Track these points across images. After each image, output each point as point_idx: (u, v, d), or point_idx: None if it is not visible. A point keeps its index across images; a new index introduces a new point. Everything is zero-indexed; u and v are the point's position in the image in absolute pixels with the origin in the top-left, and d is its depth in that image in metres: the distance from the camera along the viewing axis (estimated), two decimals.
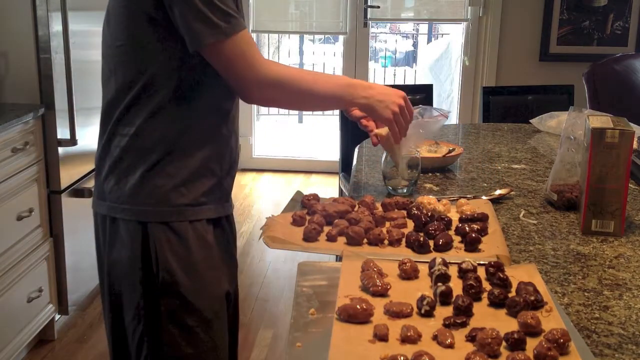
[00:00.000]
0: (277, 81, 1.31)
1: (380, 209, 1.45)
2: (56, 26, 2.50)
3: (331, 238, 1.30)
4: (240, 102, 1.46)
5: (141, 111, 1.28)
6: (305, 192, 1.52)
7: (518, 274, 1.13)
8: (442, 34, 7.47)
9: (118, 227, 1.32)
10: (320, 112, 7.35)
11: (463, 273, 1.11)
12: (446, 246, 1.26)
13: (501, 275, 1.09)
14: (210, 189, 1.35)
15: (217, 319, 1.37)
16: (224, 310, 1.41)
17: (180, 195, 1.30)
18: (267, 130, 6.23)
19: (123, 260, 1.31)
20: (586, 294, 1.13)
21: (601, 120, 1.41)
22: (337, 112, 3.47)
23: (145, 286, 1.30)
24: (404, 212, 1.42)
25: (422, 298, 1.01)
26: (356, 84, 1.41)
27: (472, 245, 1.25)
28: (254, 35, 5.04)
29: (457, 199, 1.53)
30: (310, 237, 1.29)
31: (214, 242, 1.36)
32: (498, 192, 1.65)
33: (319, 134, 6.46)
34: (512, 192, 1.66)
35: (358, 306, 0.98)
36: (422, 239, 1.25)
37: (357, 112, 1.55)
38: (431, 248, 1.25)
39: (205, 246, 1.34)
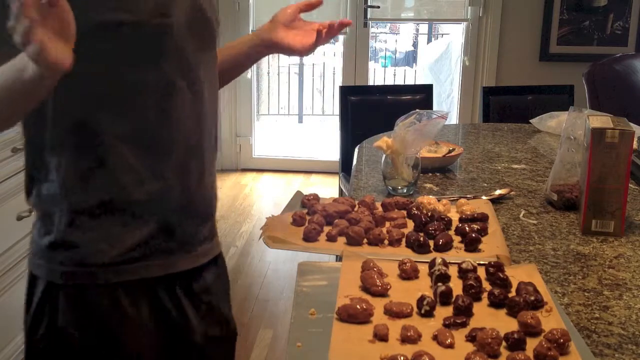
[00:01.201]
0: None
1: (380, 209, 1.45)
2: None
3: (331, 238, 1.29)
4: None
5: (40, 145, 1.05)
6: (305, 192, 1.52)
7: (518, 274, 1.13)
8: (442, 34, 7.47)
9: (34, 283, 1.10)
10: (321, 112, 7.36)
11: (463, 273, 1.11)
12: (446, 246, 1.26)
13: (501, 275, 1.09)
14: (148, 240, 1.07)
15: None
16: None
17: (98, 252, 1.05)
18: (267, 130, 6.23)
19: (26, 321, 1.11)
20: (586, 294, 1.13)
21: (601, 120, 1.41)
22: (337, 111, 3.47)
23: None
24: (404, 212, 1.42)
25: (422, 298, 1.01)
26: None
27: (472, 245, 1.25)
28: None
29: (457, 199, 1.53)
30: (310, 237, 1.29)
31: (149, 318, 1.09)
32: (498, 192, 1.65)
33: (319, 134, 6.46)
34: (512, 192, 1.66)
35: (358, 306, 0.98)
36: (422, 239, 1.25)
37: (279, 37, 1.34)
38: (431, 248, 1.25)
39: (131, 320, 1.07)
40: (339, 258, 1.23)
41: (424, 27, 7.93)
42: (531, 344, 0.90)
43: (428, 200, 1.44)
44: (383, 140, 1.63)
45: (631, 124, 1.41)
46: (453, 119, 4.98)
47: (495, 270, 1.10)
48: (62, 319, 1.06)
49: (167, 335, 1.12)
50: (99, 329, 1.07)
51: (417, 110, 1.66)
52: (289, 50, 1.35)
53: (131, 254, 1.06)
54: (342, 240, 1.29)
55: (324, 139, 6.08)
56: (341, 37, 4.99)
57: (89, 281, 1.05)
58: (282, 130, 6.65)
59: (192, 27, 1.08)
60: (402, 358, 0.86)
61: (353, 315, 0.98)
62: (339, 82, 5.56)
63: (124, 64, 1.01)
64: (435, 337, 0.93)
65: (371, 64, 5.78)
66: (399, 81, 7.68)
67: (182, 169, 1.09)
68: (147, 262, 1.07)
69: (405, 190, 1.64)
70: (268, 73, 6.95)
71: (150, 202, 1.06)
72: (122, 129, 1.02)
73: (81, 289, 1.06)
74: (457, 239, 1.29)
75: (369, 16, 4.80)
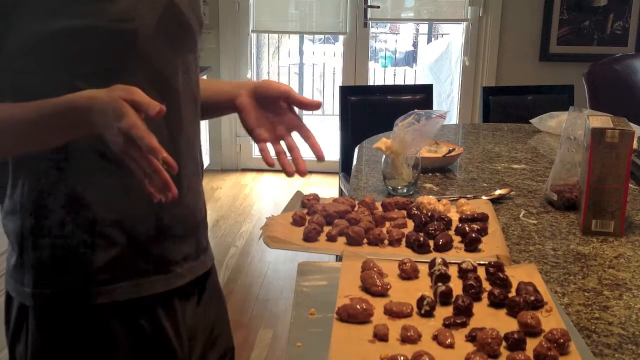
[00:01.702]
0: None
1: (380, 209, 1.45)
2: None
3: (331, 238, 1.29)
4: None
5: (3, 159, 1.02)
6: (305, 192, 1.52)
7: (518, 274, 1.13)
8: (442, 34, 7.48)
9: (9, 303, 1.06)
10: (321, 112, 7.35)
11: (463, 273, 1.11)
12: (446, 246, 1.26)
13: (501, 275, 1.09)
14: (119, 261, 1.01)
15: None
16: None
17: (64, 274, 0.99)
18: None
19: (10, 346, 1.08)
20: (586, 294, 1.13)
21: (601, 120, 1.41)
22: (337, 111, 3.47)
23: None
24: (404, 212, 1.42)
25: (422, 298, 1.01)
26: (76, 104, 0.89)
27: (472, 245, 1.25)
28: (253, 36, 5.04)
29: (457, 199, 1.53)
30: (310, 237, 1.29)
31: (125, 338, 1.03)
32: (498, 192, 1.65)
33: (319, 134, 6.46)
34: (512, 192, 1.66)
35: (358, 306, 0.98)
36: (422, 239, 1.25)
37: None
38: (431, 248, 1.25)
39: (104, 346, 1.02)
40: (339, 258, 1.23)
41: (424, 27, 7.93)
42: (531, 344, 0.90)
43: (428, 200, 1.44)
44: (382, 142, 1.63)
45: (631, 124, 1.41)
46: (453, 119, 4.98)
47: (495, 270, 1.10)
48: (34, 342, 1.02)
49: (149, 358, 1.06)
50: (71, 355, 1.02)
51: (416, 110, 1.66)
52: (246, 128, 1.19)
53: (99, 276, 0.99)
54: (342, 240, 1.29)
55: (324, 139, 6.08)
56: (341, 37, 4.99)
57: (56, 304, 1.00)
58: None
59: (166, 31, 1.00)
60: (402, 358, 0.86)
61: (353, 315, 0.98)
62: (339, 82, 5.56)
63: (81, 73, 0.94)
64: (435, 337, 0.93)
65: (371, 64, 5.78)
66: (399, 81, 7.68)
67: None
68: (118, 284, 1.00)
69: (405, 190, 1.64)
70: (268, 73, 6.95)
71: (118, 221, 0.99)
72: (84, 142, 0.94)
73: (50, 312, 1.01)
74: (457, 239, 1.29)
75: (369, 16, 4.80)
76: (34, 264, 1.00)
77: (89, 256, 0.99)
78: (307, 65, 7.59)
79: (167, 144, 1.00)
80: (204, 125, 4.76)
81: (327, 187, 4.65)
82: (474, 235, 1.26)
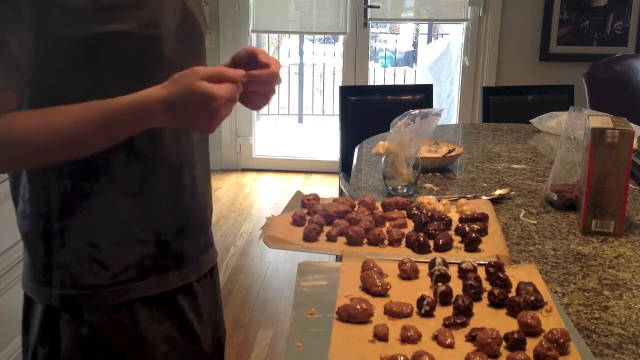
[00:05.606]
0: None
1: (380, 209, 1.45)
2: None
3: (331, 238, 1.29)
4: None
5: None
6: (305, 192, 1.52)
7: (518, 274, 1.13)
8: (442, 34, 7.48)
9: (31, 307, 1.09)
10: (321, 112, 7.36)
11: (463, 273, 1.11)
12: (446, 246, 1.26)
13: (501, 275, 1.09)
14: (143, 259, 1.05)
15: None
16: None
17: (92, 273, 1.02)
18: (267, 130, 6.23)
19: (33, 349, 1.09)
20: (586, 294, 1.13)
21: (601, 120, 1.41)
22: (337, 111, 3.47)
23: None
24: (404, 212, 1.42)
25: (422, 298, 1.01)
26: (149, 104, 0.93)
27: (472, 245, 1.25)
28: (253, 36, 5.04)
29: (457, 199, 1.53)
30: (310, 237, 1.29)
31: (154, 331, 1.07)
32: (498, 192, 1.65)
33: (319, 134, 6.46)
34: (512, 192, 1.66)
35: (358, 306, 0.98)
36: (422, 239, 1.25)
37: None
38: (431, 248, 1.25)
39: (136, 340, 1.05)
40: (339, 258, 1.23)
41: (424, 27, 7.93)
42: (531, 344, 0.90)
43: (428, 200, 1.44)
44: (379, 146, 1.62)
45: (631, 124, 1.41)
46: (453, 119, 4.98)
47: (495, 270, 1.10)
48: (65, 344, 1.04)
49: (177, 348, 1.11)
50: (105, 352, 1.05)
51: (410, 110, 1.65)
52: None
53: (127, 274, 1.04)
54: (342, 240, 1.29)
55: (324, 139, 6.08)
56: (341, 37, 4.99)
57: (88, 303, 1.03)
58: (282, 130, 6.65)
59: (182, 36, 1.05)
60: (402, 358, 0.86)
61: (353, 315, 0.98)
62: (339, 82, 5.56)
63: (109, 77, 0.98)
64: (435, 337, 0.93)
65: (371, 64, 5.78)
66: (399, 81, 7.69)
67: (173, 183, 1.07)
68: (144, 281, 1.05)
69: (405, 190, 1.64)
70: None
71: (142, 218, 1.04)
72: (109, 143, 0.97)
73: (81, 311, 1.03)
74: (457, 239, 1.30)
75: (369, 16, 4.80)
76: (61, 265, 1.03)
77: (117, 255, 1.03)
78: (307, 65, 7.59)
79: (185, 143, 1.08)
80: None
81: (327, 187, 4.65)
82: (474, 235, 1.26)
